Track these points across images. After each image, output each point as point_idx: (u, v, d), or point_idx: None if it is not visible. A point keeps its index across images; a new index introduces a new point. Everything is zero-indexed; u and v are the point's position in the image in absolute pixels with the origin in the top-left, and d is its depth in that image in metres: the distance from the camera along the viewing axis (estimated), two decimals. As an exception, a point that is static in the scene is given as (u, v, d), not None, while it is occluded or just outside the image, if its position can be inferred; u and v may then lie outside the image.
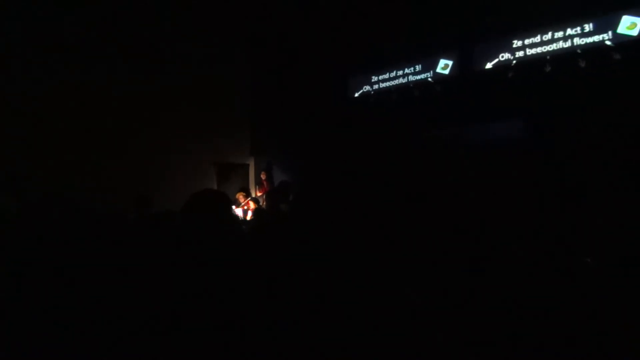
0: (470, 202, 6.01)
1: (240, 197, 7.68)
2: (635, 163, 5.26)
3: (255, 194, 9.55)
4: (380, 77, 8.43)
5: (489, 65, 6.99)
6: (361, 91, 8.73)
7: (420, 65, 7.88)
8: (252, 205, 7.37)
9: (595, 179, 5.48)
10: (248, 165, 10.80)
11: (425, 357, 1.52)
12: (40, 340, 1.61)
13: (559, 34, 6.34)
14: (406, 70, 8.06)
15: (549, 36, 6.43)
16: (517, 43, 6.73)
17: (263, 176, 9.70)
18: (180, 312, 1.41)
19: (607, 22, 5.93)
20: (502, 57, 6.86)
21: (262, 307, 1.50)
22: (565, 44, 6.29)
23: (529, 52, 6.61)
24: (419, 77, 7.89)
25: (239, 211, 7.42)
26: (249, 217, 7.21)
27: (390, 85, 8.28)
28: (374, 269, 2.28)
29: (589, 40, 6.08)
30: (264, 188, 9.50)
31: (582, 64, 6.07)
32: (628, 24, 5.75)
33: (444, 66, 7.56)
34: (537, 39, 6.54)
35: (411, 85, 7.95)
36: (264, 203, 8.76)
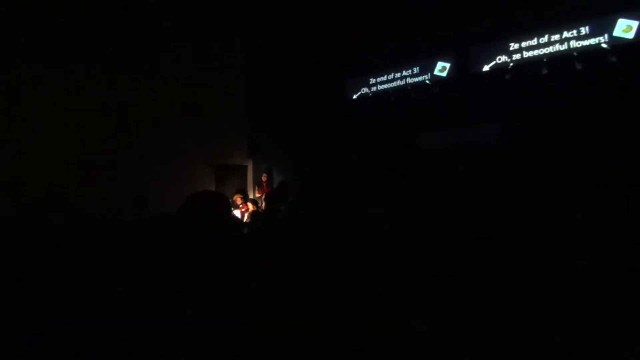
0: (467, 204, 6.02)
1: (238, 199, 7.67)
2: (633, 164, 5.29)
3: (254, 196, 9.55)
4: (378, 79, 8.46)
5: (486, 68, 7.02)
6: (359, 93, 8.75)
7: (417, 68, 7.91)
8: (250, 207, 7.37)
9: (594, 180, 5.50)
10: (246, 167, 10.80)
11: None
12: (39, 340, 1.62)
13: (556, 37, 6.38)
14: (404, 73, 8.09)
15: (545, 39, 6.47)
16: (514, 45, 6.76)
17: (264, 178, 9.71)
18: (177, 313, 1.42)
19: (603, 24, 5.97)
20: (499, 59, 6.89)
21: (258, 307, 1.52)
22: (562, 47, 6.32)
23: (526, 54, 6.65)
24: (416, 79, 7.92)
25: (237, 213, 7.42)
26: (245, 219, 7.21)
27: (388, 87, 8.31)
28: (370, 271, 2.29)
29: (585, 42, 6.12)
30: (264, 189, 9.50)
31: (579, 67, 6.11)
32: (624, 27, 5.79)
33: (442, 68, 7.59)
34: (534, 41, 6.58)
35: (409, 87, 7.98)
36: (263, 204, 8.77)
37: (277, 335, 1.49)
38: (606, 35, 5.94)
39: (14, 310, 1.83)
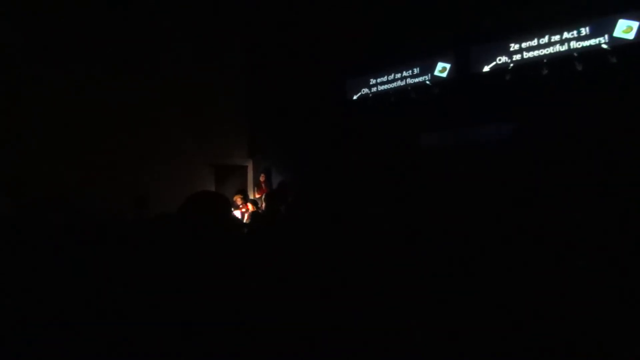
0: (467, 204, 6.02)
1: (238, 199, 7.68)
2: (633, 165, 5.29)
3: (254, 196, 9.56)
4: (379, 80, 8.46)
5: (486, 68, 7.02)
6: (359, 94, 8.76)
7: (418, 68, 7.92)
8: (250, 207, 7.38)
9: (592, 181, 5.50)
10: (246, 167, 10.81)
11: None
12: (40, 340, 1.62)
13: (556, 38, 6.39)
14: (404, 73, 8.09)
15: (545, 39, 6.47)
16: (514, 46, 6.77)
17: (262, 178, 9.72)
18: (177, 313, 1.42)
19: (604, 25, 5.97)
20: (500, 60, 6.89)
21: (258, 307, 1.52)
22: (562, 47, 6.33)
23: (526, 55, 6.65)
24: (416, 79, 7.93)
25: (237, 214, 7.43)
26: (245, 220, 7.22)
27: (388, 88, 8.32)
28: (370, 271, 2.29)
29: (586, 43, 6.13)
30: (263, 190, 9.51)
31: (579, 67, 6.11)
32: (624, 28, 5.80)
33: (442, 69, 7.59)
34: (534, 42, 6.58)
35: (409, 88, 7.98)
36: (263, 205, 8.77)
37: (277, 335, 1.49)
38: (606, 36, 5.94)
39: (14, 310, 1.83)
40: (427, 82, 7.74)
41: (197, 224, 1.63)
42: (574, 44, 6.24)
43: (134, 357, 1.41)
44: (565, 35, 6.31)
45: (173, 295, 1.44)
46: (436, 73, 7.65)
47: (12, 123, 7.17)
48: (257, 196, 9.52)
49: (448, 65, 7.53)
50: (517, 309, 2.30)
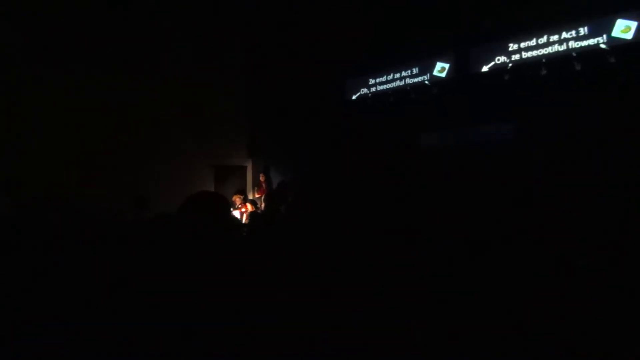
0: (467, 204, 6.02)
1: (237, 199, 7.68)
2: (631, 165, 5.29)
3: (253, 196, 9.56)
4: (378, 80, 8.46)
5: (485, 68, 7.02)
6: (358, 93, 8.75)
7: (417, 68, 7.91)
8: (249, 207, 7.38)
9: (591, 181, 5.51)
10: (246, 167, 10.81)
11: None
12: (40, 340, 1.62)
13: (555, 37, 6.39)
14: (403, 73, 8.08)
15: (544, 39, 6.47)
16: (513, 46, 6.76)
17: (262, 178, 9.72)
18: (177, 313, 1.42)
19: (602, 25, 5.97)
20: (499, 60, 6.89)
21: (258, 307, 1.52)
22: (561, 47, 6.33)
23: (525, 55, 6.65)
24: (416, 79, 7.92)
25: (236, 214, 7.42)
26: (244, 220, 7.22)
27: (387, 88, 8.31)
28: (370, 271, 2.29)
29: (584, 43, 6.12)
30: (262, 190, 9.51)
31: (578, 67, 6.11)
32: (622, 28, 5.80)
33: (441, 69, 7.58)
34: (533, 42, 6.58)
35: (408, 87, 7.97)
36: (262, 205, 8.78)
37: (277, 335, 1.49)
38: (605, 36, 5.94)
39: (14, 310, 1.84)
40: (426, 82, 7.74)
41: (197, 224, 1.63)
42: (572, 44, 6.24)
43: (134, 357, 1.40)
44: (564, 35, 6.31)
45: (173, 295, 1.44)
46: (435, 73, 7.64)
47: (12, 123, 7.17)
48: (257, 196, 9.52)
49: (447, 65, 7.53)
50: (517, 309, 2.30)
